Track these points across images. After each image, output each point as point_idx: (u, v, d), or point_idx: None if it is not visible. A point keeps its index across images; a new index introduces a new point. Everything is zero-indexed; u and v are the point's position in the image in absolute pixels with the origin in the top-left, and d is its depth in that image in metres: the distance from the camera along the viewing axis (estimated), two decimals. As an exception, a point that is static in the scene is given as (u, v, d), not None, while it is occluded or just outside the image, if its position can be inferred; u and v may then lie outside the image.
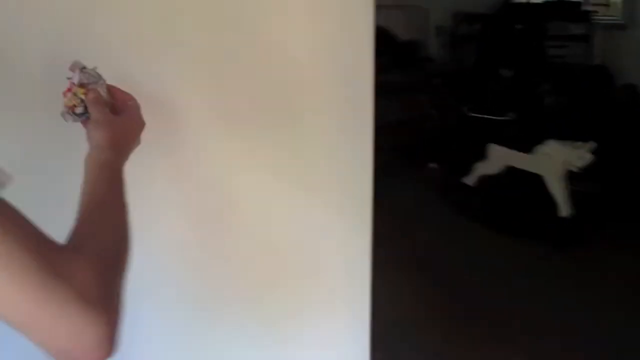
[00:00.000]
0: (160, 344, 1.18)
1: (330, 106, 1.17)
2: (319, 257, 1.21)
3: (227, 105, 1.15)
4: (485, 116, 3.91)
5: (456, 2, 5.23)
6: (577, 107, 4.19)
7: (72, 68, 0.95)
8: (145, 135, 0.99)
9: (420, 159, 4.08)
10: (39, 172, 1.08)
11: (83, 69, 0.95)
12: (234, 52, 1.14)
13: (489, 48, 5.03)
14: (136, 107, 0.99)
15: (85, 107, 0.94)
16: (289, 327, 1.22)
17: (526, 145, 3.32)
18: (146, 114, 0.99)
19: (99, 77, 0.97)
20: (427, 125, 4.42)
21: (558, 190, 3.12)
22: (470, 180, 3.51)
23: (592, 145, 3.02)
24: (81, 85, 0.94)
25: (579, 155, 3.01)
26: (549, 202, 3.14)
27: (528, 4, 5.39)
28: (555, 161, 3.11)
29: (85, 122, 0.95)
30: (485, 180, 3.47)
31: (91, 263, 0.61)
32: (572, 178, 3.11)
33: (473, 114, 4.00)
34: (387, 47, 4.41)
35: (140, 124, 0.99)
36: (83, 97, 0.94)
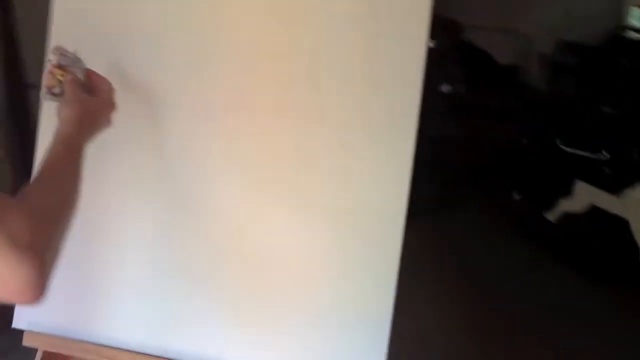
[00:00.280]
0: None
1: (371, 121, 1.20)
2: (346, 283, 1.23)
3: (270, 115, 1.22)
4: (578, 151, 3.78)
5: (560, 30, 5.08)
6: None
7: (53, 51, 1.05)
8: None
9: (502, 187, 3.99)
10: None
11: (63, 52, 1.04)
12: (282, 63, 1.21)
13: (591, 81, 4.84)
14: (109, 91, 1.07)
15: (62, 88, 1.05)
16: (309, 336, 1.24)
17: (616, 186, 3.20)
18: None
19: (78, 60, 1.08)
20: (516, 152, 4.31)
21: (644, 237, 2.99)
22: (552, 215, 3.42)
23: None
24: (60, 67, 1.05)
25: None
26: (634, 248, 3.01)
27: (638, 40, 5.15)
28: (644, 207, 2.99)
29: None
30: (568, 217, 3.37)
31: (28, 215, 0.68)
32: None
33: (565, 148, 3.89)
34: (485, 69, 4.36)
35: (109, 107, 1.06)
36: (61, 78, 1.05)
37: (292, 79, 1.22)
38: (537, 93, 5.30)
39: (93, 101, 1.03)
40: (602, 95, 4.72)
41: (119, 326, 1.29)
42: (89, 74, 1.07)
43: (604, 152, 3.84)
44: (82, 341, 1.28)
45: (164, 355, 1.25)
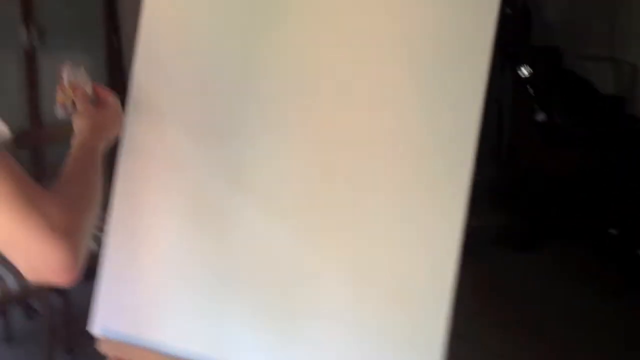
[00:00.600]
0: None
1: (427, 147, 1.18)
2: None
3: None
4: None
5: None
6: None
7: (63, 70, 1.14)
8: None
9: (599, 221, 3.78)
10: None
11: (72, 71, 1.12)
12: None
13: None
14: (115, 103, 1.20)
15: (73, 103, 1.14)
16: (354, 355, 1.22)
17: None
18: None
19: (86, 77, 1.16)
20: (613, 184, 4.07)
21: None
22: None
23: None
24: (70, 84, 1.13)
25: None
26: None
27: None
28: None
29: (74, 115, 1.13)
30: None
31: (62, 205, 0.77)
32: None
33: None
34: (585, 98, 4.17)
35: (117, 116, 1.19)
36: (71, 94, 1.13)
37: (355, 109, 1.23)
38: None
39: (102, 112, 1.15)
40: None
41: (179, 336, 1.34)
42: (96, 88, 1.19)
43: None
44: (147, 349, 1.34)
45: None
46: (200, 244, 1.34)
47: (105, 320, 1.38)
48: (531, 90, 3.44)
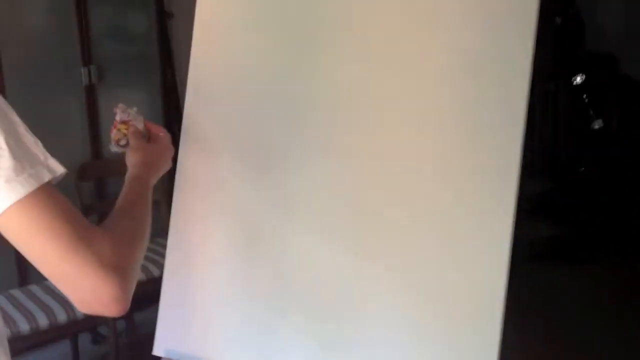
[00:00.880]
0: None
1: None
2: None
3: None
4: None
5: None
6: None
7: (116, 110, 1.19)
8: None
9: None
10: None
11: (125, 109, 1.17)
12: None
13: None
14: (166, 138, 1.24)
15: (127, 140, 1.18)
16: None
17: None
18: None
19: (138, 115, 1.21)
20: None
21: None
22: None
23: None
24: (123, 122, 1.18)
25: None
26: None
27: None
28: None
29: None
30: None
31: (112, 240, 0.79)
32: None
33: None
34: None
35: (167, 150, 1.22)
36: (125, 131, 1.19)
37: (399, 135, 1.24)
38: None
39: (153, 147, 1.20)
40: None
41: (235, 358, 1.37)
42: (148, 125, 1.24)
43: None
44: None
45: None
46: (252, 269, 1.37)
47: (167, 342, 1.42)
48: (586, 98, 3.36)
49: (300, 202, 1.32)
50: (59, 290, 0.80)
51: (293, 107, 1.34)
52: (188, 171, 1.41)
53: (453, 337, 1.16)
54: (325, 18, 1.32)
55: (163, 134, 1.26)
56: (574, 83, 3.43)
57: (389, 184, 1.24)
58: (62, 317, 2.33)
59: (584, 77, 3.37)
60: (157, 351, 1.43)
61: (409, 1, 1.24)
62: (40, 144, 0.81)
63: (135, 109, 1.24)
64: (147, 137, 1.23)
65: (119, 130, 1.22)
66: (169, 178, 1.45)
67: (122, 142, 1.21)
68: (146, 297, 2.74)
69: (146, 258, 2.70)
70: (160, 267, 2.65)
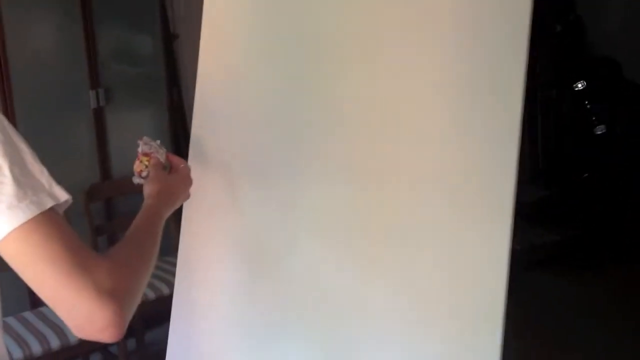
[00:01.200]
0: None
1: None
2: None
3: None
4: None
5: None
6: None
7: (140, 142, 1.22)
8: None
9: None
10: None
11: (147, 142, 1.20)
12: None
13: None
14: (186, 169, 1.27)
15: (149, 171, 1.22)
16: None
17: None
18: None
19: (160, 147, 1.26)
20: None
21: None
22: None
23: None
24: (145, 154, 1.22)
25: None
26: None
27: None
28: None
29: None
30: None
31: (111, 266, 0.80)
32: None
33: None
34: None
35: (186, 181, 1.25)
36: (147, 163, 1.22)
37: (398, 149, 1.26)
38: None
39: (172, 178, 1.23)
40: None
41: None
42: (169, 157, 1.28)
43: None
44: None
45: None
46: (258, 287, 1.40)
47: (177, 360, 1.45)
48: (588, 104, 3.37)
49: (304, 226, 1.34)
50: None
51: (296, 126, 1.38)
52: (196, 191, 1.44)
53: (454, 345, 1.18)
54: (326, 38, 1.35)
55: (183, 165, 1.29)
56: (576, 89, 3.44)
57: (388, 196, 1.26)
58: (73, 338, 2.36)
59: (585, 83, 3.38)
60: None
61: (405, 13, 1.26)
62: (46, 172, 0.83)
63: (158, 141, 1.28)
64: (169, 168, 1.26)
65: (141, 162, 1.25)
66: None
67: (144, 174, 1.23)
68: (156, 316, 2.78)
69: (156, 277, 2.74)
70: (170, 285, 2.68)
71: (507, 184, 1.13)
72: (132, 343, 2.76)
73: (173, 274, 2.71)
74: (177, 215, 1.50)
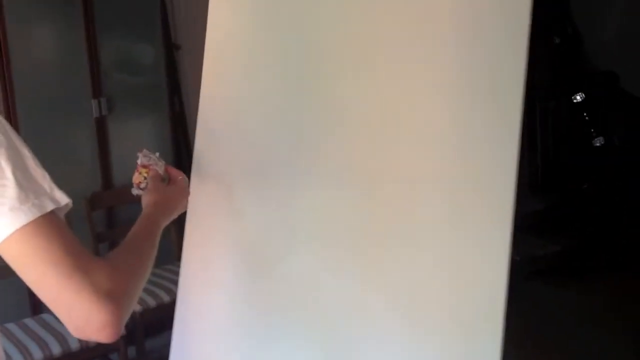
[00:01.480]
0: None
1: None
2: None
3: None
4: None
5: None
6: None
7: (140, 154, 1.24)
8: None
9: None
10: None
11: (147, 154, 1.23)
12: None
13: None
14: (183, 182, 1.30)
15: (147, 183, 1.25)
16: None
17: None
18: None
19: (159, 159, 1.29)
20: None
21: None
22: None
23: None
24: (144, 166, 1.24)
25: None
26: None
27: None
28: None
29: None
30: None
31: (110, 269, 0.82)
32: None
33: None
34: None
35: (184, 194, 1.28)
36: (146, 175, 1.24)
37: (397, 154, 1.28)
38: None
39: (169, 190, 1.26)
40: None
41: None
42: (168, 169, 1.30)
43: None
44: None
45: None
46: (259, 295, 1.42)
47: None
48: (587, 116, 3.40)
49: (303, 227, 1.36)
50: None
51: (297, 128, 1.40)
52: (200, 197, 1.46)
53: (454, 350, 1.19)
54: (327, 44, 1.37)
55: (181, 177, 1.32)
56: (574, 101, 3.47)
57: (387, 198, 1.27)
58: (74, 344, 2.37)
59: (583, 94, 3.41)
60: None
61: (406, 16, 1.27)
62: (47, 177, 0.85)
63: (157, 154, 1.30)
64: (167, 180, 1.29)
65: (140, 173, 1.27)
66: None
67: (143, 185, 1.26)
68: (157, 324, 2.78)
69: (156, 284, 2.75)
70: (171, 293, 2.69)
71: (507, 186, 1.14)
72: (132, 351, 2.76)
73: (173, 282, 2.73)
74: (178, 223, 1.52)
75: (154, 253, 1.03)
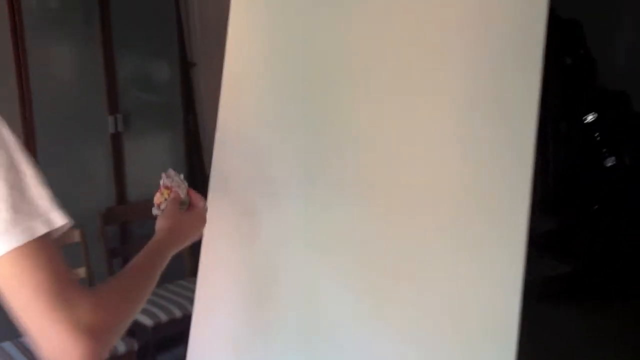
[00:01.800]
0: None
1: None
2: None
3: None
4: None
5: None
6: None
7: (163, 175, 1.22)
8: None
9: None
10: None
11: (170, 175, 1.23)
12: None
13: None
14: (203, 209, 1.25)
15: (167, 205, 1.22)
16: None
17: None
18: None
19: (182, 181, 1.26)
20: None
21: None
22: None
23: None
24: (166, 187, 1.22)
25: None
26: None
27: None
28: None
29: None
30: None
31: (96, 302, 0.79)
32: None
33: None
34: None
35: (201, 222, 1.22)
36: (167, 196, 1.21)
37: (411, 171, 1.29)
38: None
39: (185, 216, 1.20)
40: None
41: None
42: (190, 193, 1.26)
43: None
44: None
45: None
46: (273, 312, 1.43)
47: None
48: (598, 136, 3.41)
49: (321, 247, 1.37)
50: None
51: (311, 152, 1.42)
52: (216, 218, 1.47)
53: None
54: (344, 64, 1.39)
55: (202, 204, 1.27)
56: (586, 121, 3.48)
57: (399, 224, 1.28)
58: None
59: (595, 115, 3.42)
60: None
61: (417, 41, 1.28)
62: (46, 196, 0.82)
63: (181, 175, 1.28)
64: (187, 204, 1.25)
65: (161, 194, 1.24)
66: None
67: (163, 206, 1.22)
68: (168, 339, 2.80)
69: (168, 299, 2.77)
70: (182, 308, 2.71)
71: (521, 207, 1.13)
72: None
73: (184, 297, 2.75)
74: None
75: (153, 285, 0.98)
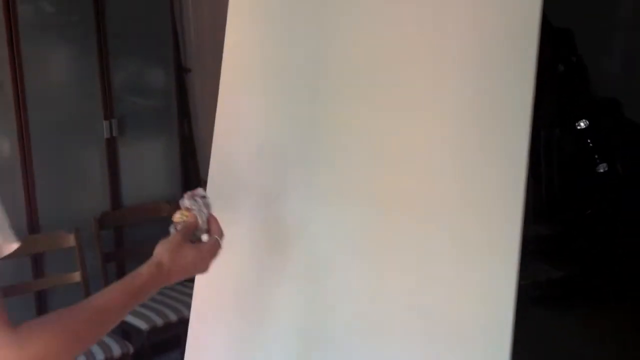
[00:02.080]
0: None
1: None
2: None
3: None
4: None
5: None
6: None
7: (188, 194, 1.16)
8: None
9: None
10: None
11: (195, 197, 1.16)
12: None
13: None
14: (215, 243, 1.12)
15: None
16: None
17: None
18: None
19: (205, 206, 1.16)
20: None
21: None
22: None
23: None
24: (187, 209, 1.16)
25: None
26: None
27: None
28: None
29: None
30: None
31: (18, 341, 0.75)
32: None
33: None
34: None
35: (212, 253, 1.10)
36: (185, 218, 1.15)
37: (414, 178, 1.30)
38: None
39: (192, 250, 1.07)
40: None
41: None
42: (211, 222, 1.16)
43: None
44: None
45: None
46: (271, 319, 1.44)
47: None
48: (590, 143, 3.44)
49: (320, 252, 1.38)
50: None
51: (307, 157, 1.43)
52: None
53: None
54: (345, 71, 1.40)
55: (219, 234, 1.15)
56: (579, 128, 3.51)
57: (394, 228, 1.30)
58: (82, 362, 2.38)
59: (587, 122, 3.45)
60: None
61: (412, 50, 1.30)
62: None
63: (208, 199, 1.19)
64: (205, 231, 1.16)
65: (181, 214, 1.17)
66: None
67: (179, 227, 1.15)
68: (164, 343, 2.80)
69: (163, 303, 2.77)
70: (177, 312, 2.71)
71: (514, 213, 1.14)
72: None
73: (180, 301, 2.75)
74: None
75: (119, 319, 0.91)
